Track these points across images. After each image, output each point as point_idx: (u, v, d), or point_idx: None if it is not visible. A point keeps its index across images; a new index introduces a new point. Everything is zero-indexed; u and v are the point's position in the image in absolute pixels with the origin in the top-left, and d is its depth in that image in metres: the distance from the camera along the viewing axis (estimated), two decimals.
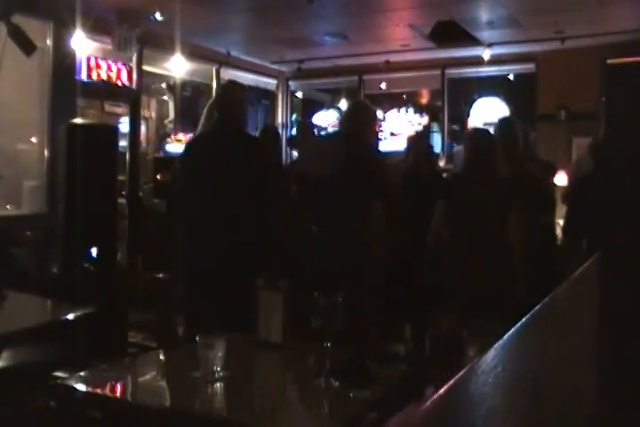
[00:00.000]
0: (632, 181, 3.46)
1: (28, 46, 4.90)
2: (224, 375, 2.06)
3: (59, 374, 2.46)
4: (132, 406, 1.93)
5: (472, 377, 0.50)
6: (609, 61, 7.87)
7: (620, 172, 3.62)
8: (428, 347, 2.46)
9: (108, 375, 2.19)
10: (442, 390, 0.48)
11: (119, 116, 7.78)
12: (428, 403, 0.45)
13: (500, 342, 0.56)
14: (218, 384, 2.06)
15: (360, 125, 3.75)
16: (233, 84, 4.38)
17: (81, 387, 1.98)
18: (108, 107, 7.79)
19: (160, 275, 3.66)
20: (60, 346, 3.44)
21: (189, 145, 3.73)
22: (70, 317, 3.24)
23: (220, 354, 2.08)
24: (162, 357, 2.58)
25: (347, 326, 2.00)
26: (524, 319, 0.71)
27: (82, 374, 2.08)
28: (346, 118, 3.98)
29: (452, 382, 0.50)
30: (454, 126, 9.82)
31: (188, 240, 3.43)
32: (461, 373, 0.50)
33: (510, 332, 0.61)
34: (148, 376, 2.30)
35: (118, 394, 2.11)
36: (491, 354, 0.53)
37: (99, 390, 2.03)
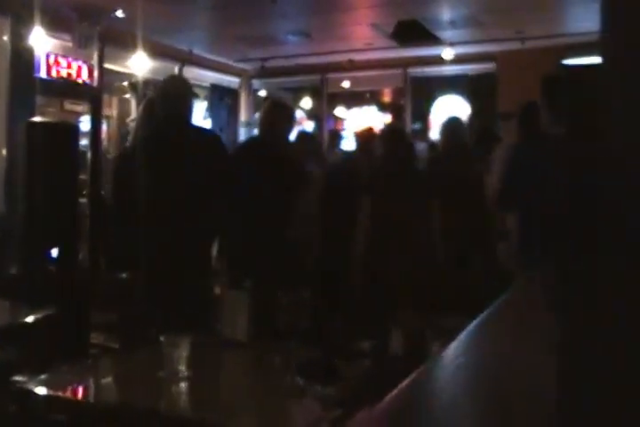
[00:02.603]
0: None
1: None
2: (189, 375, 2.05)
3: (18, 378, 2.42)
4: (95, 408, 1.91)
5: (431, 372, 0.51)
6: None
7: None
8: (391, 344, 2.48)
9: (70, 377, 2.16)
10: (402, 386, 0.48)
11: (79, 114, 7.66)
12: (389, 398, 0.46)
13: (460, 337, 0.58)
14: (182, 384, 2.05)
15: (272, 125, 3.77)
16: (174, 77, 4.34)
17: (43, 390, 1.95)
18: (67, 105, 7.66)
19: (123, 275, 3.63)
20: (18, 349, 3.39)
21: (131, 149, 3.68)
22: (29, 319, 3.19)
23: (184, 354, 2.07)
24: (126, 357, 2.55)
25: (312, 324, 2.00)
26: (483, 314, 0.72)
27: (43, 376, 2.04)
28: (259, 119, 4.04)
29: (411, 377, 0.50)
30: (415, 125, 9.90)
31: (145, 240, 3.41)
32: (420, 368, 0.51)
33: (469, 327, 0.61)
34: (111, 377, 2.27)
35: (81, 396, 2.09)
36: (450, 349, 0.55)
37: (61, 393, 2.00)
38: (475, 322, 0.64)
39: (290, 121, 3.87)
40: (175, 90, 3.53)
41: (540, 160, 2.97)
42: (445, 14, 7.04)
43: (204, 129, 4.14)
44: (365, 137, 5.02)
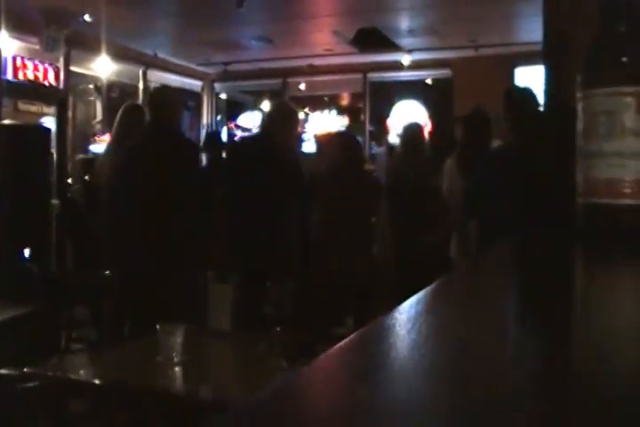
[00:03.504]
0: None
1: None
2: (183, 360, 2.27)
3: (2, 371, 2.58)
4: (101, 388, 2.11)
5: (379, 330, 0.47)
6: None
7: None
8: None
9: (74, 364, 2.36)
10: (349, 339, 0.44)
11: (34, 114, 7.66)
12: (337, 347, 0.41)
13: (415, 297, 0.55)
14: (177, 368, 2.27)
15: (279, 127, 3.84)
16: (166, 88, 4.51)
17: (54, 374, 2.14)
18: (21, 105, 7.64)
19: (106, 272, 3.79)
20: (5, 344, 3.50)
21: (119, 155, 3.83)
22: (6, 317, 3.31)
23: (178, 340, 2.29)
24: (120, 348, 2.75)
25: (296, 312, 2.23)
26: (442, 277, 0.69)
27: (53, 362, 2.24)
28: (267, 120, 4.08)
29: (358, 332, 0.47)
30: (371, 128, 10.17)
31: (126, 240, 3.58)
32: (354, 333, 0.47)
33: (426, 289, 0.59)
34: (113, 364, 2.46)
35: (89, 379, 2.28)
36: (402, 310, 0.51)
37: (73, 376, 2.19)
38: (432, 284, 0.62)
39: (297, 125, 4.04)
40: (165, 99, 3.71)
41: (487, 169, 3.22)
42: (404, 23, 7.35)
43: (188, 139, 4.31)
44: (323, 141, 5.34)
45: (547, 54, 1.73)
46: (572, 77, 0.87)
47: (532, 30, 7.43)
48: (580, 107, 0.80)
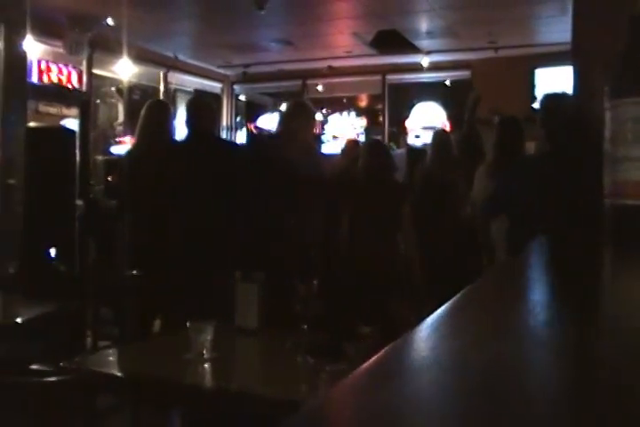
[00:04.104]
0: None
1: None
2: (213, 356, 2.33)
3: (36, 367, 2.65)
4: (133, 383, 2.18)
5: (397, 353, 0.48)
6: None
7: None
8: (389, 328, 2.78)
9: (106, 360, 2.43)
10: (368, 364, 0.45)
11: (54, 116, 7.78)
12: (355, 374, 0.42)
13: (431, 317, 0.54)
14: (207, 364, 2.33)
15: (297, 125, 3.82)
16: (202, 96, 4.60)
17: (93, 367, 2.21)
18: (42, 107, 7.77)
19: (134, 272, 3.86)
20: (32, 342, 3.59)
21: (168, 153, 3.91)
22: (34, 315, 3.40)
23: (208, 337, 2.35)
24: (150, 344, 2.82)
25: (323, 310, 2.29)
26: (456, 296, 0.67)
27: (86, 357, 2.31)
28: (285, 118, 4.02)
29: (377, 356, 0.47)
30: (393, 129, 10.23)
31: (158, 240, 3.65)
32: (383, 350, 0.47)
33: (443, 308, 0.58)
34: (144, 360, 2.53)
35: (122, 373, 2.35)
36: (420, 329, 0.51)
37: (110, 371, 2.26)
38: (448, 303, 0.61)
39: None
40: (203, 105, 3.84)
41: (521, 175, 3.26)
42: (423, 25, 7.39)
43: (227, 140, 4.41)
44: (351, 145, 5.46)
45: (575, 56, 1.77)
46: (598, 81, 0.91)
47: (551, 31, 7.49)
48: (608, 115, 0.85)
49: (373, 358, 0.44)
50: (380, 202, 4.05)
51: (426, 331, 0.53)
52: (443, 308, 0.59)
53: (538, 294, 0.72)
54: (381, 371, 0.44)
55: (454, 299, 0.62)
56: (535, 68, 8.50)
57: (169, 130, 4.34)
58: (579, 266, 0.82)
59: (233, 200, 3.49)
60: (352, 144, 5.63)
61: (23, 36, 6.41)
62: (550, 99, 3.32)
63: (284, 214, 3.56)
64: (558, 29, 7.34)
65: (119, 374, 2.40)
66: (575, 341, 0.49)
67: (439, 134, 5.07)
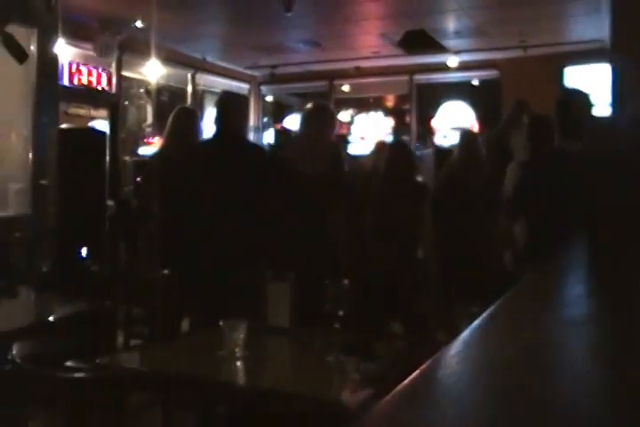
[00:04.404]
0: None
1: (20, 54, 5.08)
2: (245, 354, 2.35)
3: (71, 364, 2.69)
4: (167, 380, 2.21)
5: (440, 363, 0.49)
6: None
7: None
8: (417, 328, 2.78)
9: (139, 357, 2.45)
10: (411, 377, 0.46)
11: (83, 118, 7.88)
12: (399, 389, 0.43)
13: (470, 327, 0.54)
14: (239, 362, 2.35)
15: (317, 128, 3.85)
16: (233, 94, 4.59)
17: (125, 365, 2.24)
18: (70, 109, 7.86)
19: (165, 271, 3.90)
20: (64, 341, 3.64)
21: (190, 153, 3.92)
22: (71, 313, 3.44)
23: (241, 335, 2.37)
24: (183, 342, 2.84)
25: (352, 310, 2.29)
26: (495, 304, 0.68)
27: (119, 355, 2.33)
28: (305, 121, 4.04)
29: (420, 369, 0.48)
30: (420, 129, 10.19)
31: (189, 240, 3.68)
32: (430, 360, 0.48)
33: (481, 316, 0.58)
34: (176, 357, 2.55)
35: (154, 372, 2.38)
36: (460, 339, 0.51)
37: (141, 369, 2.29)
38: (487, 311, 0.61)
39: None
40: (234, 105, 3.82)
41: (549, 174, 3.24)
42: (451, 25, 7.36)
43: (254, 144, 4.41)
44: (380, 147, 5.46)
45: (613, 54, 1.75)
46: (637, 79, 0.90)
47: (580, 30, 7.42)
48: None
49: (414, 376, 0.45)
50: (400, 202, 4.07)
51: (463, 345, 0.52)
52: (479, 319, 0.59)
53: (579, 308, 0.70)
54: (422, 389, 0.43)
55: (488, 312, 0.63)
56: (564, 66, 8.42)
57: (196, 133, 4.40)
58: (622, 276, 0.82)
59: (260, 201, 3.50)
60: (381, 145, 5.65)
61: (55, 40, 6.52)
62: (568, 99, 3.30)
63: (308, 215, 3.58)
64: (590, 27, 7.27)
65: (150, 371, 2.42)
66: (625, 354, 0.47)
67: (466, 135, 5.06)
